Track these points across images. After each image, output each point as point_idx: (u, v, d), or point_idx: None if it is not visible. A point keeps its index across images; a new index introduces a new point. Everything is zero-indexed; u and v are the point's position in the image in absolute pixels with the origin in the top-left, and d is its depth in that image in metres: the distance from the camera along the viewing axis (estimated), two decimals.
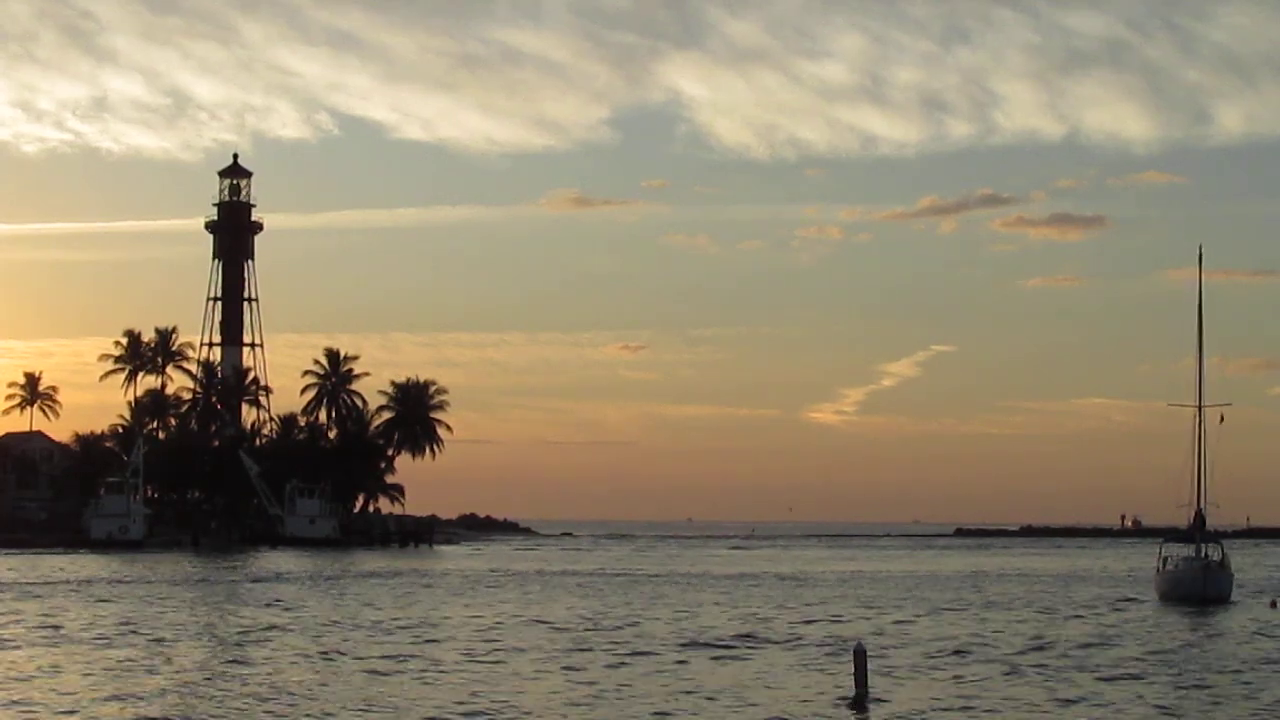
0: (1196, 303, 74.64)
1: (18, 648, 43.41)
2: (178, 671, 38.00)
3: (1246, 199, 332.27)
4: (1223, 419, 72.92)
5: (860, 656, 34.41)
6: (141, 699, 32.99)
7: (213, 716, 30.85)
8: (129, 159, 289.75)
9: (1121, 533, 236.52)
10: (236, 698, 33.31)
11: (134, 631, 48.78)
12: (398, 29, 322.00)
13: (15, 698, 32.96)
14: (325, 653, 42.57)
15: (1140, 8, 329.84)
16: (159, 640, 45.81)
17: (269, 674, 37.46)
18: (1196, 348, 73.79)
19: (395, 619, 55.18)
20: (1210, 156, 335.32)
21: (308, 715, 31.20)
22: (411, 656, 41.89)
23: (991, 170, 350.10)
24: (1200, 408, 72.72)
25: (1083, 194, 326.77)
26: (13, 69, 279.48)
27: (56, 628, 49.80)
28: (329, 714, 31.39)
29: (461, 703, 32.98)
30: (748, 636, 49.02)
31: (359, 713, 31.61)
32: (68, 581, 77.43)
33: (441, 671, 38.57)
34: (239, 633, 48.87)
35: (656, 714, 31.99)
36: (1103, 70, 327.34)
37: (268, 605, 61.51)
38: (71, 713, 31.17)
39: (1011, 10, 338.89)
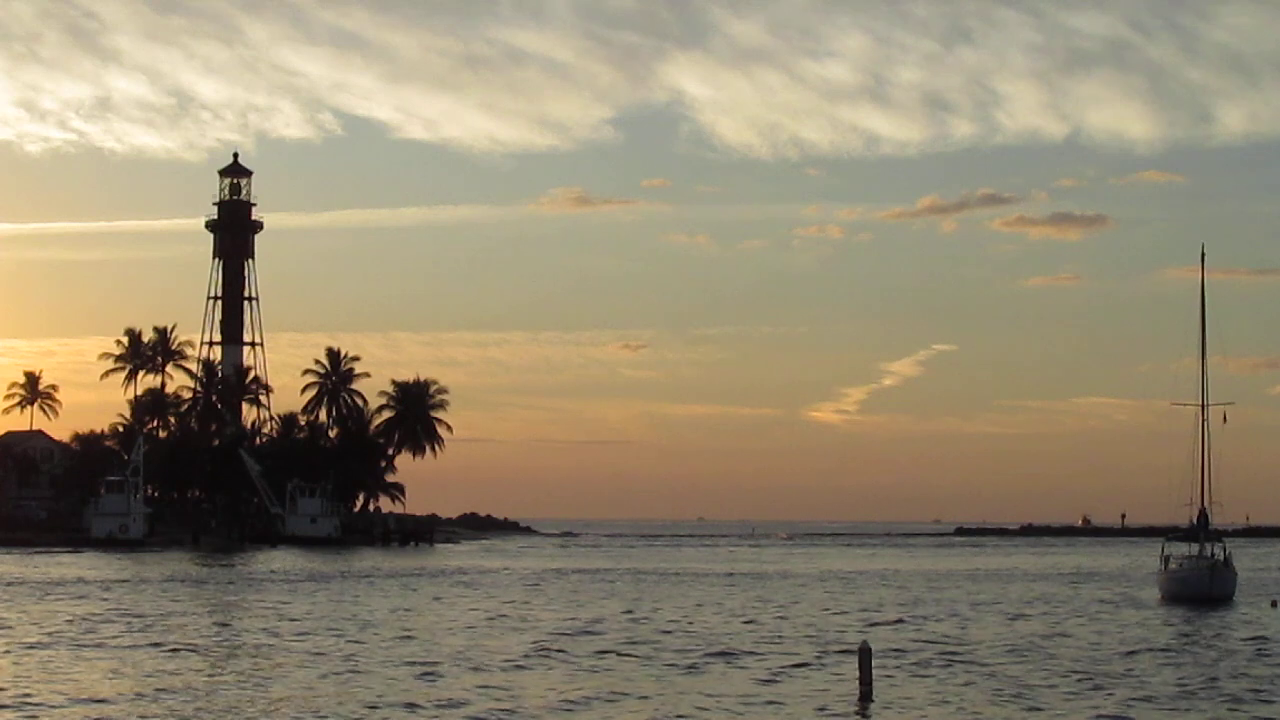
0: (1199, 302, 74.48)
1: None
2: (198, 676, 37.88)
3: (1248, 198, 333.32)
4: (1225, 418, 72.82)
5: (865, 656, 34.30)
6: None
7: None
8: (132, 159, 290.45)
9: (1121, 531, 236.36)
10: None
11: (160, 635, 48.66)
12: (401, 29, 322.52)
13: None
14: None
15: (1142, 8, 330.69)
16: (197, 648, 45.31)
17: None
18: (1199, 347, 73.54)
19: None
20: (1212, 156, 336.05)
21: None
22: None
23: (993, 170, 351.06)
24: (1204, 406, 72.52)
25: (1084, 193, 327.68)
26: (17, 69, 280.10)
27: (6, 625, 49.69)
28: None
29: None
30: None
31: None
32: (66, 581, 77.35)
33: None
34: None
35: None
36: (1105, 70, 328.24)
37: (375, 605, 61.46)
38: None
39: (1014, 10, 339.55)
